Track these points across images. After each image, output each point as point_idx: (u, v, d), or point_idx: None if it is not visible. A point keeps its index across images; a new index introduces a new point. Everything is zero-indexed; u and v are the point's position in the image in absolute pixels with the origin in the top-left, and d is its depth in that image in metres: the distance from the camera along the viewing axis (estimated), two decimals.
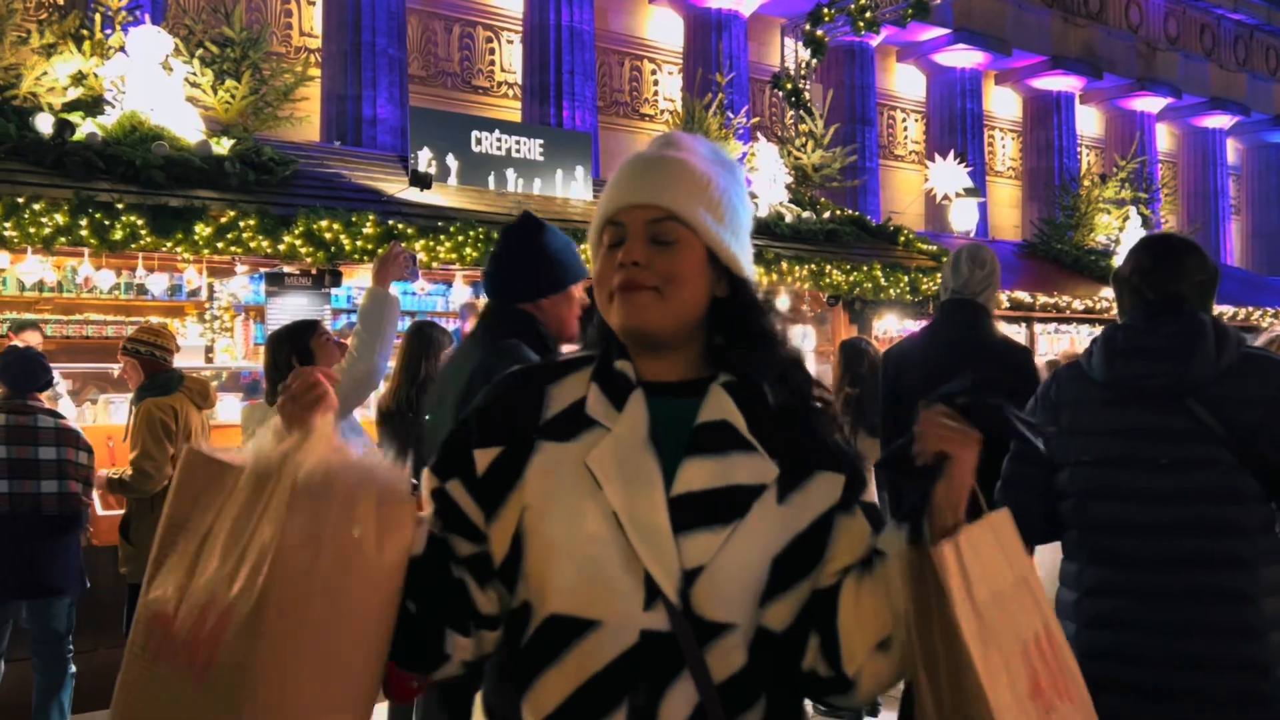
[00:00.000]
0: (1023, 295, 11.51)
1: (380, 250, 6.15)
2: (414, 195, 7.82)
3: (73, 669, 4.46)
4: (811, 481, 1.31)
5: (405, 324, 5.12)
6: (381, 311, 3.28)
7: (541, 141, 9.30)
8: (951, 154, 14.05)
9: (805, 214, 10.10)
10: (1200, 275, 2.19)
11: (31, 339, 7.07)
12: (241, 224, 6.45)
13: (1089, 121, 21.27)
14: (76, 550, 4.46)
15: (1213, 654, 2.00)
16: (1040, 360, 5.89)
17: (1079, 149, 20.06)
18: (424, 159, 8.52)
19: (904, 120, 19.39)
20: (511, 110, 14.17)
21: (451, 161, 8.72)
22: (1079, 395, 2.23)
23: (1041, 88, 19.51)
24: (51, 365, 4.80)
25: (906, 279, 9.86)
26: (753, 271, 1.38)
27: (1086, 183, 14.27)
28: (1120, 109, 21.10)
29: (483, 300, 3.03)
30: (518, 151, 9.09)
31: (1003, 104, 20.33)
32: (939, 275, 10.09)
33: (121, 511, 4.75)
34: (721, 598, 1.24)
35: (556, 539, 1.25)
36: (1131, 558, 2.08)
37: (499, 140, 8.99)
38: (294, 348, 3.52)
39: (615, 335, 1.35)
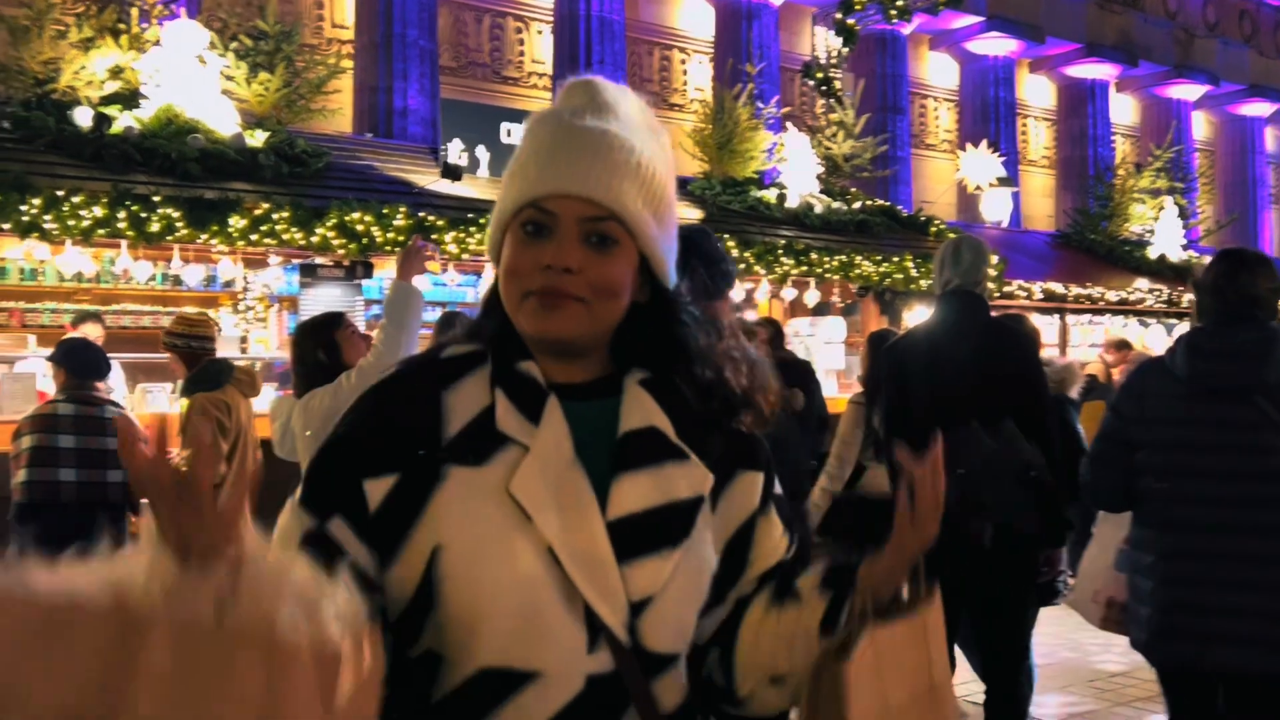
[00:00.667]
0: (1055, 286, 11.41)
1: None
2: (445, 187, 7.86)
3: None
4: (735, 483, 1.20)
5: (436, 314, 5.19)
6: (405, 304, 3.30)
7: None
8: (984, 143, 13.94)
9: (835, 204, 10.06)
10: (1271, 283, 2.67)
11: (92, 331, 7.22)
12: (275, 216, 6.52)
13: (1124, 110, 21.01)
14: (121, 536, 4.54)
15: (1273, 606, 2.54)
16: (1072, 360, 5.84)
17: (1114, 138, 19.82)
18: (455, 150, 8.57)
19: (936, 109, 19.24)
20: (541, 100, 14.19)
21: (482, 153, 8.77)
22: (1161, 388, 2.73)
23: (1076, 75, 19.29)
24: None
25: None
26: (674, 276, 1.21)
27: (1121, 172, 14.12)
28: (1156, 97, 20.81)
29: None
30: None
31: (1036, 92, 20.12)
32: None
33: None
34: (669, 628, 1.13)
35: (486, 584, 1.06)
36: (1203, 526, 2.61)
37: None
38: (320, 341, 3.54)
39: (512, 329, 1.16)
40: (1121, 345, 7.50)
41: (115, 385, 6.79)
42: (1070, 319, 11.95)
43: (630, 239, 1.13)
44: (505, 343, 1.17)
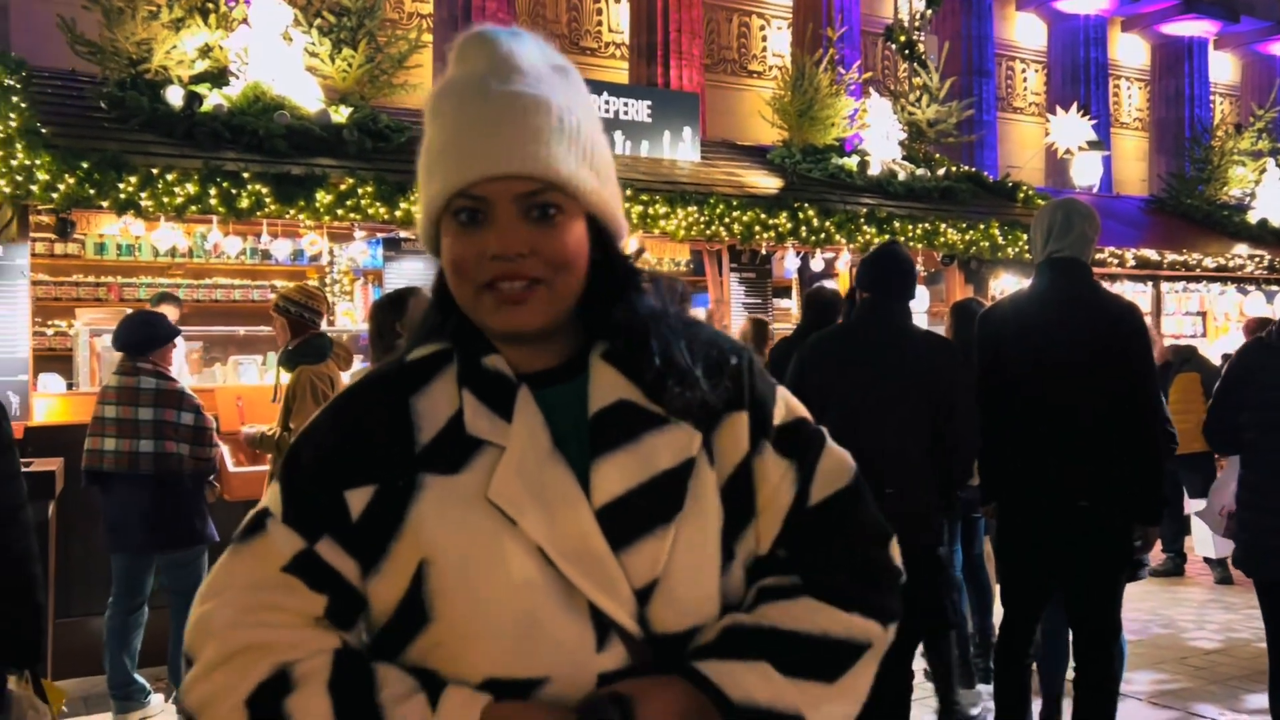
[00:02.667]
0: (1149, 253, 11.05)
1: None
2: None
3: None
4: (721, 429, 1.11)
5: None
6: None
7: (649, 103, 9.27)
8: (1074, 106, 13.52)
9: (919, 171, 9.86)
10: None
11: (170, 312, 7.45)
12: (360, 191, 6.62)
13: (1223, 68, 20.18)
14: (190, 507, 4.63)
15: None
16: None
17: (1212, 98, 19.07)
18: None
19: (1023, 71, 18.70)
20: (618, 71, 14.14)
21: None
22: (1264, 360, 3.56)
23: (1172, 33, 18.57)
24: (183, 328, 5.05)
25: (1025, 237, 9.56)
26: (624, 224, 1.14)
27: (1220, 133, 13.57)
28: (1258, 54, 19.94)
29: None
30: (625, 114, 9.08)
31: (1130, 51, 19.42)
32: None
33: (253, 469, 4.98)
34: (682, 606, 1.06)
35: (481, 595, 1.01)
36: None
37: (607, 102, 8.98)
38: (398, 315, 3.55)
39: (472, 325, 1.10)
40: (1263, 324, 7.29)
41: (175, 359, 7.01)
42: (1165, 286, 11.58)
43: (573, 201, 1.06)
44: (466, 336, 1.10)
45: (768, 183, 9.02)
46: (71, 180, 5.84)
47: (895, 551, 1.17)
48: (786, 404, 1.18)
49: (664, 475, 1.06)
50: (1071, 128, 13.06)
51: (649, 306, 1.13)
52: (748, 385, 1.14)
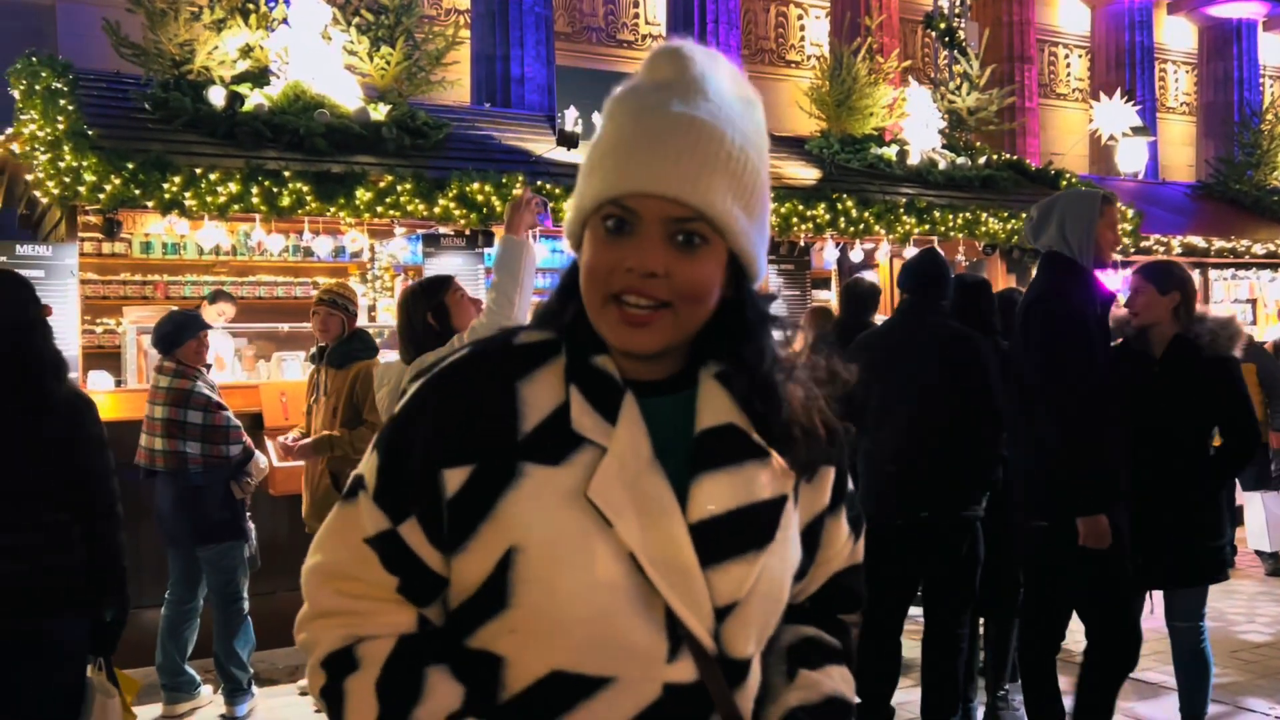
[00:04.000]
0: (1196, 240, 10.86)
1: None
2: (561, 155, 7.91)
3: (244, 610, 4.74)
4: (814, 479, 1.17)
5: (549, 281, 5.23)
6: (518, 258, 3.12)
7: None
8: (1119, 91, 13.31)
9: (959, 159, 9.76)
10: None
11: (227, 310, 7.57)
12: (399, 188, 6.67)
13: (1273, 50, 19.74)
14: (212, 503, 4.62)
15: None
16: (1234, 312, 5.59)
17: (1261, 80, 18.67)
18: (570, 118, 8.61)
19: (1066, 56, 18.43)
20: None
21: (597, 119, 8.76)
22: None
23: (1220, 15, 18.18)
24: (229, 325, 5.11)
25: None
26: (765, 267, 1.15)
27: (1270, 117, 13.29)
28: None
29: None
30: None
31: (1176, 34, 19.07)
32: None
33: (296, 464, 5.03)
34: (752, 632, 1.10)
35: (563, 590, 1.03)
36: None
37: None
38: (430, 304, 3.50)
39: (587, 320, 1.11)
40: None
41: (224, 356, 7.10)
42: (1212, 274, 11.37)
43: (719, 237, 1.07)
44: (580, 332, 1.11)
45: (805, 174, 8.97)
46: (117, 181, 5.93)
47: None
48: (848, 470, 1.25)
49: (762, 505, 1.09)
50: (1116, 113, 12.86)
51: (777, 354, 1.16)
52: (838, 447, 1.19)
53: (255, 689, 4.82)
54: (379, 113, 7.21)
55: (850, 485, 1.24)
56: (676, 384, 1.13)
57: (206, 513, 4.62)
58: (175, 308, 6.00)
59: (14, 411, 2.64)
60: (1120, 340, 3.82)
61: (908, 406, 3.81)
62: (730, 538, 1.07)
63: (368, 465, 1.12)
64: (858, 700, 1.24)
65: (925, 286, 4.00)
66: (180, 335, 4.68)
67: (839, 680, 1.21)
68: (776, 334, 1.17)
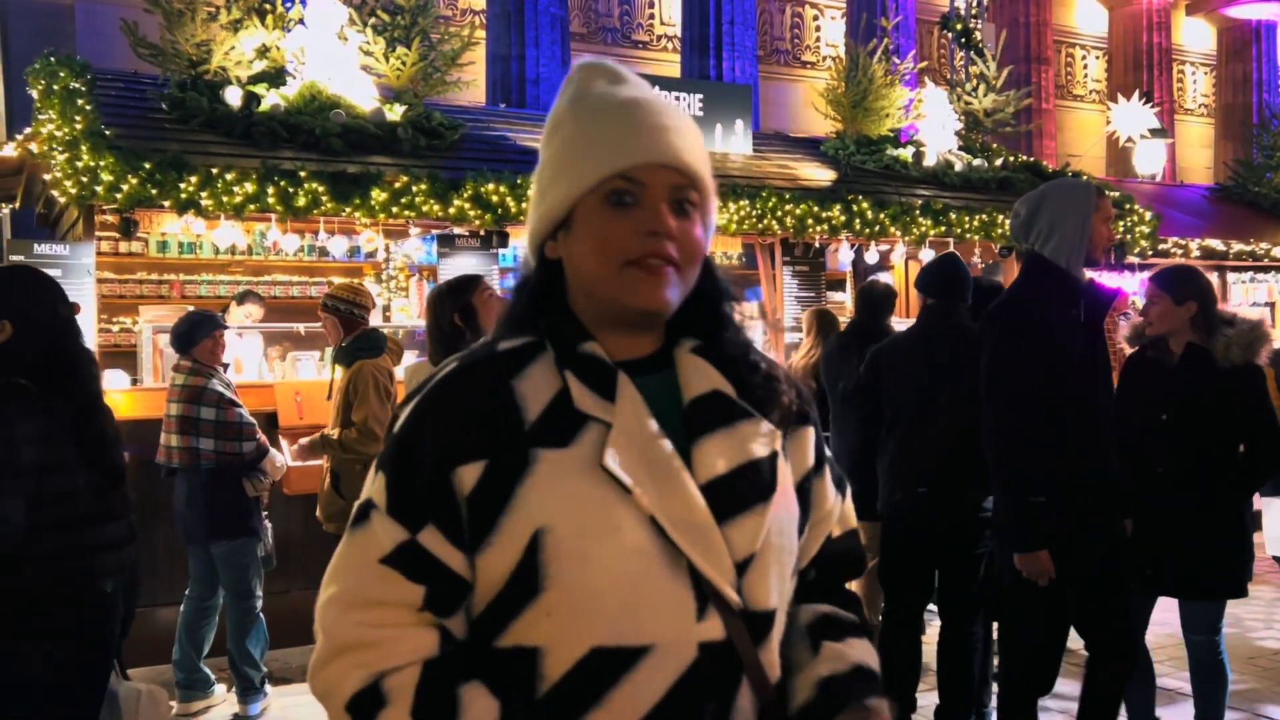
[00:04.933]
0: (1214, 243, 10.78)
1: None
2: None
3: (256, 609, 4.75)
4: (793, 440, 1.23)
5: None
6: None
7: (701, 96, 9.23)
8: (1137, 93, 13.23)
9: (976, 161, 9.71)
10: None
11: (254, 310, 7.60)
12: (414, 189, 6.68)
13: None
14: (223, 500, 4.64)
15: None
16: (1263, 317, 5.52)
17: None
18: None
19: (1083, 58, 18.35)
20: (671, 64, 14.10)
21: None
22: None
23: (1239, 16, 18.07)
24: (255, 325, 5.12)
25: None
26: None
27: None
28: None
29: None
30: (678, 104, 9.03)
31: (1195, 36, 18.95)
32: (1120, 223, 9.57)
33: (311, 463, 5.04)
34: (771, 583, 1.15)
35: (596, 559, 1.06)
36: None
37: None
38: (457, 304, 3.50)
39: (568, 314, 1.18)
40: None
41: (250, 356, 7.12)
42: (1231, 277, 11.29)
43: (702, 203, 1.18)
44: (561, 328, 1.17)
45: (821, 175, 8.94)
46: (134, 181, 5.95)
47: None
48: (825, 439, 1.32)
49: (759, 461, 1.16)
50: (1134, 115, 12.79)
51: (730, 312, 1.25)
52: (810, 406, 1.27)
53: (269, 688, 4.83)
54: (394, 113, 7.22)
55: (828, 449, 1.30)
56: (657, 363, 1.19)
57: (219, 509, 4.64)
58: (191, 307, 6.03)
59: (63, 412, 2.63)
60: (1137, 349, 3.76)
61: (938, 411, 3.86)
62: (738, 494, 1.13)
63: (374, 486, 1.14)
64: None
65: (949, 291, 4.01)
66: (196, 334, 4.70)
67: (863, 651, 1.25)
68: (734, 308, 1.25)
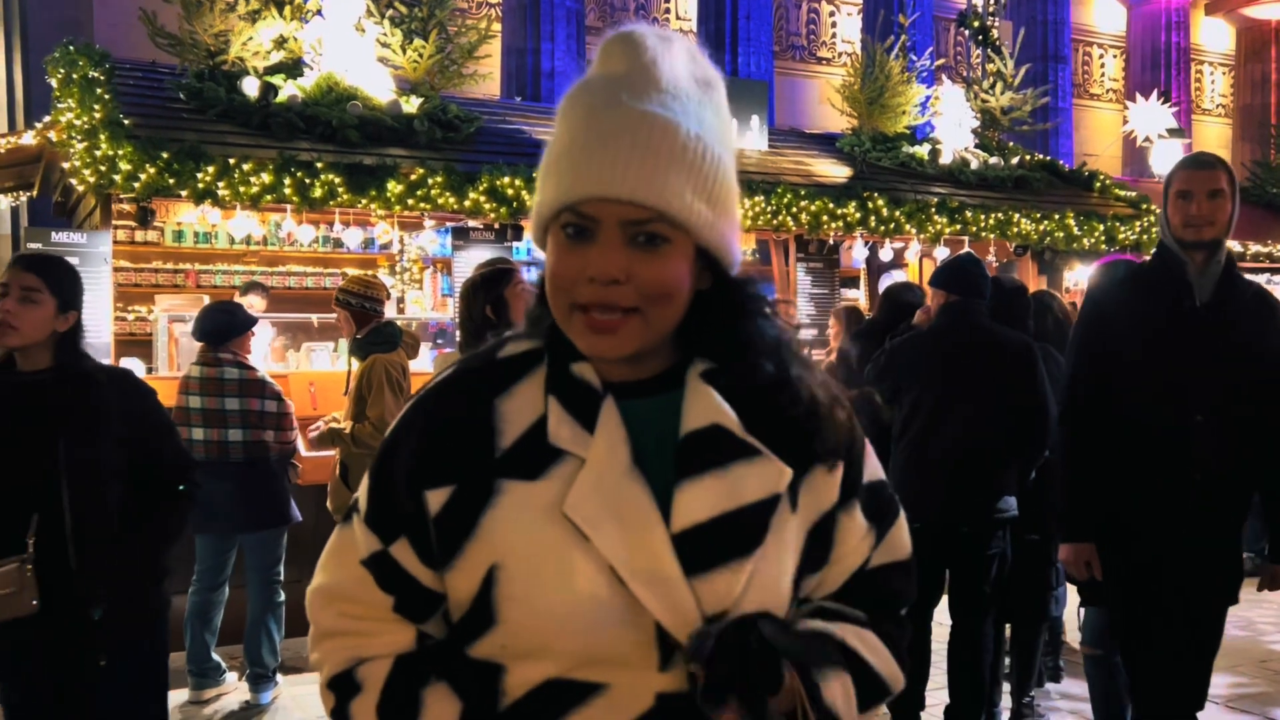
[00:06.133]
0: (1231, 244, 10.70)
1: None
2: None
3: (281, 596, 4.81)
4: (812, 475, 1.11)
5: None
6: None
7: None
8: (1155, 92, 13.17)
9: (992, 159, 9.68)
10: None
11: (257, 301, 7.62)
12: (430, 181, 6.69)
13: None
14: (276, 489, 4.75)
15: None
16: None
17: None
18: None
19: (1101, 56, 18.26)
20: None
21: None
22: None
23: (1258, 16, 17.94)
24: (259, 316, 5.14)
25: (1102, 228, 9.34)
26: (739, 255, 1.11)
27: None
28: None
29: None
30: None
31: (1213, 35, 18.84)
32: (1138, 223, 9.54)
33: (323, 454, 5.07)
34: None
35: (545, 607, 1.02)
36: None
37: None
38: (489, 297, 3.49)
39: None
40: None
41: (259, 347, 7.15)
42: (1248, 278, 11.21)
43: (684, 234, 1.03)
44: (559, 339, 1.09)
45: (836, 171, 8.92)
46: (152, 170, 5.98)
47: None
48: (872, 461, 1.19)
49: (749, 508, 1.05)
50: (1151, 115, 12.72)
51: (774, 333, 1.12)
52: (848, 439, 1.14)
53: (280, 677, 4.85)
54: (411, 105, 7.23)
55: (872, 475, 1.18)
56: (667, 382, 1.10)
57: (270, 499, 4.73)
58: (207, 297, 6.06)
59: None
60: None
61: (963, 410, 3.84)
62: (715, 545, 1.03)
63: (362, 489, 1.14)
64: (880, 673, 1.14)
65: (968, 288, 4.00)
66: (237, 327, 4.74)
67: (851, 635, 1.12)
68: (769, 329, 1.12)
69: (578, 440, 1.05)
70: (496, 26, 10.70)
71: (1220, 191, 2.86)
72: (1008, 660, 4.45)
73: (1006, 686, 4.43)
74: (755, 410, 1.08)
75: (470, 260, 7.04)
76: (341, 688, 1.11)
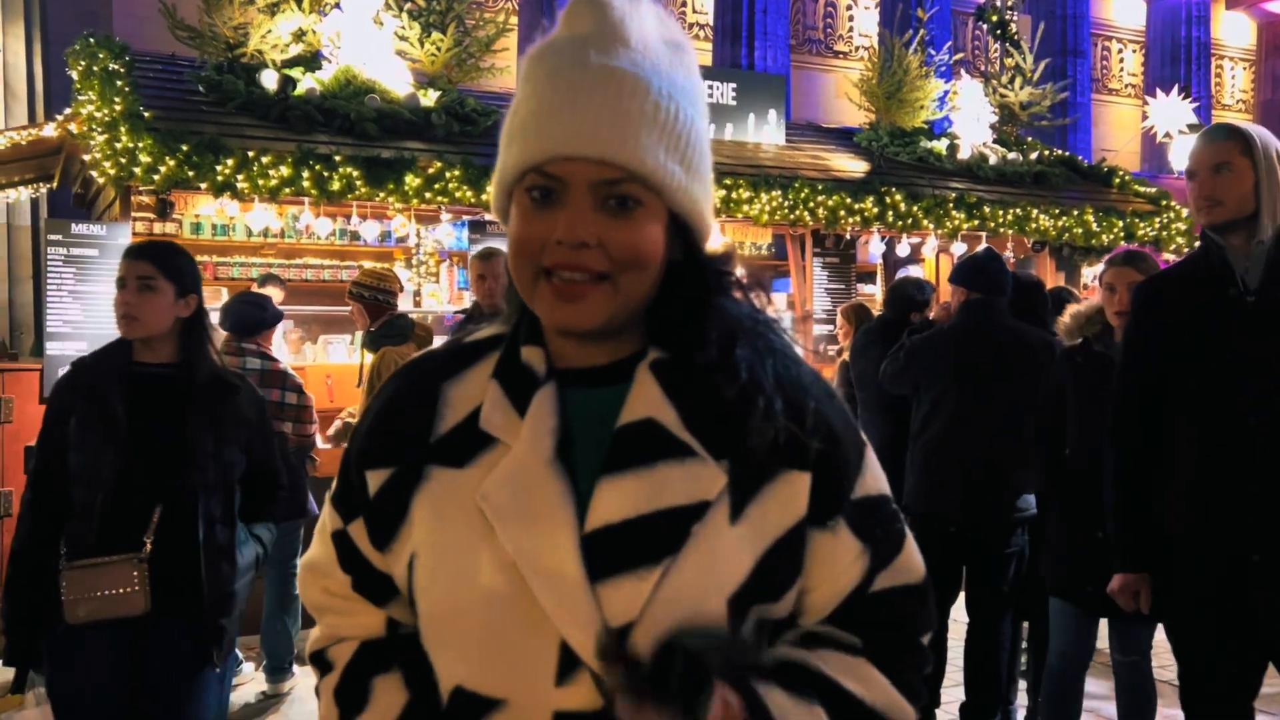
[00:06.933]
0: None
1: None
2: None
3: (298, 589, 4.83)
4: (773, 486, 0.99)
5: None
6: None
7: (734, 85, 9.19)
8: (1176, 88, 13.08)
9: (1011, 155, 9.63)
10: None
11: (274, 293, 7.64)
12: (447, 174, 6.69)
13: None
14: (294, 481, 4.75)
15: None
16: None
17: None
18: None
19: (1120, 51, 18.13)
20: (702, 52, 14.05)
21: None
22: None
23: (1279, 11, 17.80)
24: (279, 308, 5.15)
25: (1121, 224, 9.29)
26: (711, 223, 1.03)
27: None
28: None
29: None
30: (710, 97, 9.00)
31: (1234, 30, 18.68)
32: (1157, 220, 9.48)
33: (341, 447, 5.08)
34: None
35: (448, 600, 0.98)
36: None
37: None
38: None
39: (527, 309, 1.03)
40: None
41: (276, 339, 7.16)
42: None
43: (656, 196, 0.97)
44: (523, 322, 1.04)
45: (854, 166, 8.89)
46: (172, 163, 6.00)
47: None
48: (872, 473, 1.06)
49: (668, 512, 0.96)
50: (1171, 110, 12.64)
51: (739, 316, 1.03)
52: (820, 444, 1.01)
53: (296, 668, 4.88)
54: (428, 99, 7.24)
55: (867, 490, 1.05)
56: (620, 373, 1.02)
57: (291, 490, 4.72)
58: (225, 290, 6.08)
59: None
60: (1080, 341, 3.39)
61: (984, 409, 3.83)
62: (624, 549, 0.95)
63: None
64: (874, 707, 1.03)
65: (990, 286, 3.98)
66: (265, 320, 4.76)
67: (834, 664, 1.01)
68: (735, 309, 1.04)
69: (509, 428, 0.99)
70: (514, 20, 10.70)
71: (1226, 165, 2.48)
72: (1024, 658, 4.44)
73: (1022, 684, 4.41)
74: (704, 405, 0.99)
75: None
76: (318, 664, 1.13)
